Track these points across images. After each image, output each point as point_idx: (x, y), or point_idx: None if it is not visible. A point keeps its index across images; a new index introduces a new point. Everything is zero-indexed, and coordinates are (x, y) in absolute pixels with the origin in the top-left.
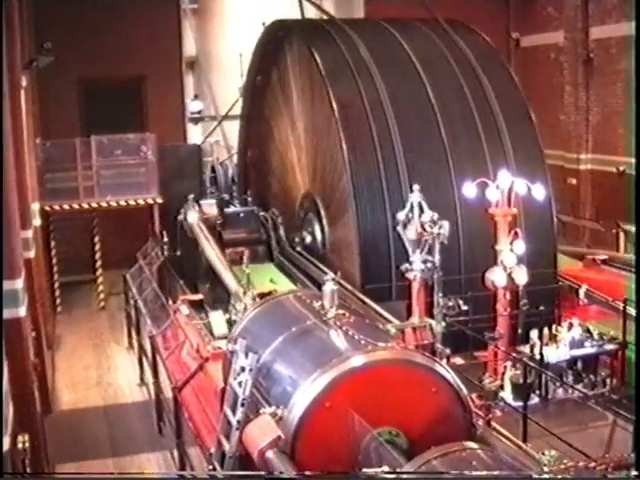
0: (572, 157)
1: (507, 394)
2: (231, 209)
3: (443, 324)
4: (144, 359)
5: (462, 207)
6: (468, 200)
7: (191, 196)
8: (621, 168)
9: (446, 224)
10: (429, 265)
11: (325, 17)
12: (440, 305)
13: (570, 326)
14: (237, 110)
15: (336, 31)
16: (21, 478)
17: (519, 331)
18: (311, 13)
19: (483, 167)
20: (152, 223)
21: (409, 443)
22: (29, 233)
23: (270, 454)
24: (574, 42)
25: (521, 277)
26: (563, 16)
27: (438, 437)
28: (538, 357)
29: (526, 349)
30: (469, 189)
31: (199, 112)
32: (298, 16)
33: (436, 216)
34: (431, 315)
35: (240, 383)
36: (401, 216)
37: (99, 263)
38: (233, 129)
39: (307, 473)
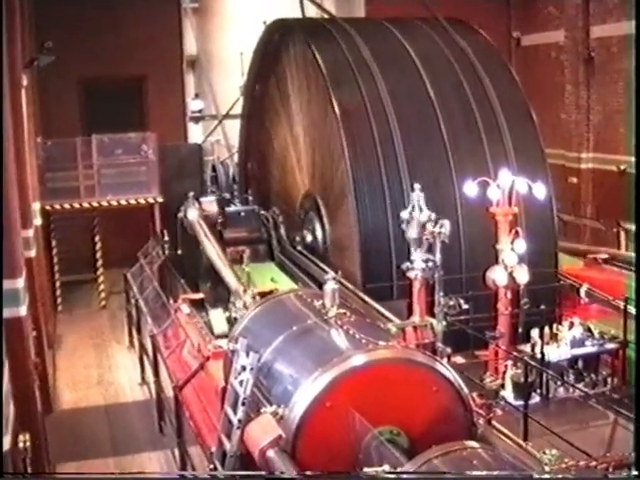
0: (573, 156)
1: (508, 393)
2: (232, 208)
3: (444, 323)
4: (145, 358)
5: (463, 206)
6: (469, 199)
7: (191, 193)
8: (622, 167)
9: (447, 223)
10: (430, 264)
11: (326, 16)
12: (441, 304)
13: (571, 325)
14: (238, 109)
15: (337, 30)
16: (22, 478)
17: (520, 330)
18: (312, 12)
19: (484, 166)
20: (153, 222)
21: (410, 442)
22: (30, 232)
23: (271, 453)
24: (575, 41)
25: (522, 276)
26: (564, 15)
27: (439, 436)
28: (539, 356)
29: (527, 348)
30: (470, 188)
31: (200, 111)
32: (299, 15)
33: (433, 216)
34: (432, 314)
35: (241, 382)
36: (405, 215)
37: (100, 262)
38: (234, 128)
39: (308, 473)
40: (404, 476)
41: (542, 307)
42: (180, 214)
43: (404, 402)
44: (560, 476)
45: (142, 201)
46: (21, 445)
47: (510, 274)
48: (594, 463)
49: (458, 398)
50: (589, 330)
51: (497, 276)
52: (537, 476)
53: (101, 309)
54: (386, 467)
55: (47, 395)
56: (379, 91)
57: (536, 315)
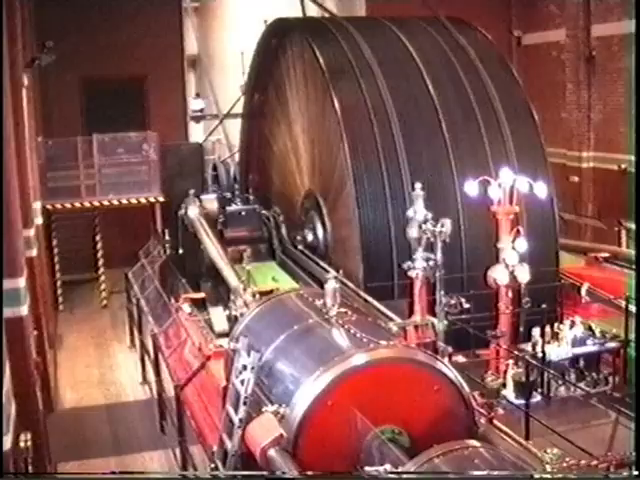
0: (574, 155)
1: (509, 392)
2: (233, 207)
3: (445, 322)
4: (146, 357)
5: (464, 205)
6: (470, 198)
7: (192, 191)
8: (623, 166)
9: (448, 222)
10: (431, 263)
11: (327, 15)
12: (442, 303)
13: (572, 324)
14: (239, 108)
15: (338, 29)
16: (23, 477)
17: (521, 329)
18: (313, 11)
19: (485, 165)
20: (154, 222)
21: (411, 441)
22: (31, 232)
23: (272, 452)
24: (576, 40)
25: (523, 275)
26: (565, 14)
27: (440, 435)
28: (540, 355)
29: (528, 347)
30: (471, 187)
31: (201, 110)
32: (300, 14)
33: (430, 216)
34: (433, 313)
35: (242, 381)
36: (410, 213)
37: (101, 262)
38: (235, 127)
39: (309, 473)
40: (405, 475)
41: (543, 306)
42: (181, 212)
43: (405, 401)
44: (561, 475)
45: (143, 200)
46: (22, 444)
47: (511, 273)
48: (595, 462)
49: (459, 397)
50: (590, 329)
51: (498, 275)
52: (538, 475)
53: (102, 308)
54: (387, 466)
55: (48, 394)
56: (380, 89)
57: (537, 314)
